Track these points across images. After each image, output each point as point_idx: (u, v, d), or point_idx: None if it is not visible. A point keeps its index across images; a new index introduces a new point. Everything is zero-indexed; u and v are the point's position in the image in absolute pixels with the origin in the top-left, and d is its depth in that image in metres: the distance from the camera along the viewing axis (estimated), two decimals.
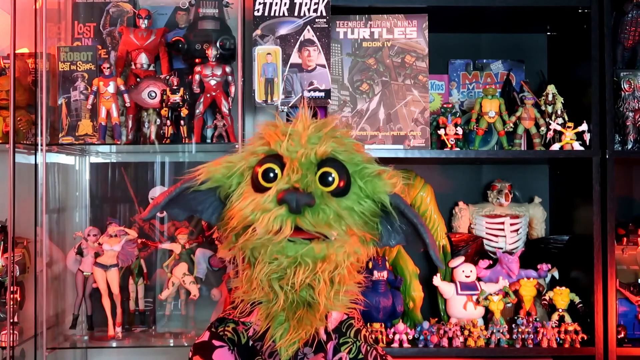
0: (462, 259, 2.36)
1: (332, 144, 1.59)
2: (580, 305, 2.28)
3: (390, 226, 1.65)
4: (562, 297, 2.28)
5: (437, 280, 2.31)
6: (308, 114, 1.64)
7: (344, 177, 1.58)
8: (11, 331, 2.23)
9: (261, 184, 1.57)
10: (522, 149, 2.39)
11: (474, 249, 2.43)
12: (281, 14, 2.25)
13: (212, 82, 2.31)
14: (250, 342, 1.66)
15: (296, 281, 1.54)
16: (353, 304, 1.67)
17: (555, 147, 2.29)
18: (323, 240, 1.53)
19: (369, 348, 1.66)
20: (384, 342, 2.22)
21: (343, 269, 1.57)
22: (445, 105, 2.45)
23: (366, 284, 1.74)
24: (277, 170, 1.57)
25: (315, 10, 2.25)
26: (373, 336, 2.17)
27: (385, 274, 2.24)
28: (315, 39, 2.25)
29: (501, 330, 2.24)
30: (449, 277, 2.39)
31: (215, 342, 1.65)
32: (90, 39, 2.47)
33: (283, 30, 2.25)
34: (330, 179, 1.56)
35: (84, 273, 2.38)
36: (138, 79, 2.36)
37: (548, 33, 2.67)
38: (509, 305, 2.32)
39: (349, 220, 1.55)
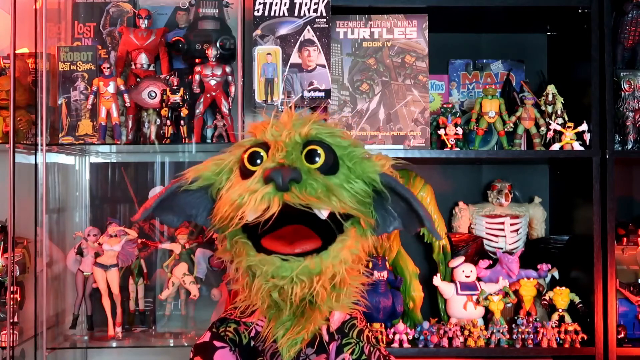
0: (462, 259, 2.36)
1: (316, 127, 1.59)
2: (580, 305, 2.28)
3: (385, 211, 1.62)
4: (562, 297, 2.28)
5: (437, 280, 2.31)
6: (292, 108, 1.66)
7: (331, 155, 1.56)
8: (11, 331, 2.23)
9: (248, 169, 1.56)
10: (522, 149, 2.39)
11: (474, 249, 2.43)
12: (281, 14, 2.25)
13: (212, 82, 2.31)
14: (252, 343, 1.65)
15: (294, 298, 1.53)
16: (355, 304, 1.66)
17: (555, 147, 2.29)
18: (317, 254, 1.52)
19: (372, 348, 1.66)
20: (384, 342, 2.22)
21: (342, 274, 1.56)
22: (445, 105, 2.45)
23: (366, 284, 1.73)
24: (263, 154, 1.56)
25: (315, 10, 2.25)
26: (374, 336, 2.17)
27: (385, 274, 2.24)
28: (315, 39, 2.25)
29: (501, 330, 2.24)
30: (449, 277, 2.39)
31: (217, 343, 1.64)
32: (90, 39, 2.47)
33: (283, 30, 2.25)
34: (316, 158, 1.54)
35: (84, 273, 2.38)
36: (138, 79, 2.36)
37: (548, 33, 2.67)
38: (509, 305, 2.32)
39: (338, 193, 1.52)
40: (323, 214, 1.51)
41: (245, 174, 1.56)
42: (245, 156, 1.57)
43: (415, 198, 1.57)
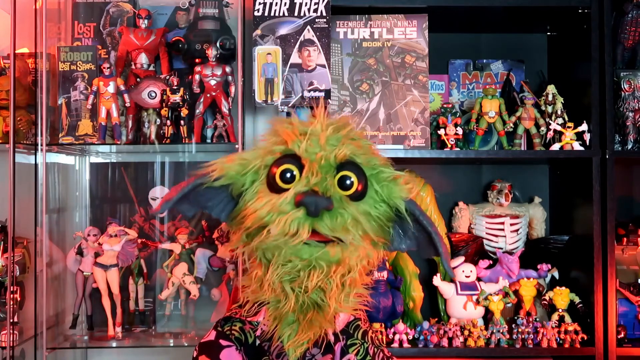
0: (462, 259, 2.36)
1: (350, 146, 1.57)
2: (580, 305, 2.28)
3: (402, 231, 1.62)
4: (562, 297, 2.28)
5: (437, 280, 2.31)
6: (324, 114, 1.60)
7: (362, 180, 1.55)
8: (11, 331, 2.23)
9: (278, 185, 1.54)
10: (522, 149, 2.39)
11: (474, 249, 2.43)
12: (281, 14, 2.25)
13: (212, 82, 2.31)
14: (258, 342, 1.65)
15: (309, 284, 1.52)
16: (360, 305, 1.66)
17: (555, 147, 2.29)
18: (338, 243, 1.51)
19: (376, 349, 1.66)
20: (384, 342, 2.22)
21: (355, 273, 1.56)
22: (445, 105, 2.45)
23: (369, 285, 1.73)
24: (296, 172, 1.53)
25: (315, 10, 2.25)
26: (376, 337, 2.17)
27: (385, 274, 2.24)
28: (315, 39, 2.25)
29: (501, 330, 2.24)
30: (449, 277, 2.39)
31: (223, 342, 1.63)
32: (90, 39, 2.47)
33: (283, 30, 2.25)
34: (348, 182, 1.53)
35: (84, 273, 2.38)
36: (138, 79, 2.36)
37: (548, 33, 2.67)
38: (509, 305, 2.32)
39: (366, 225, 1.53)
40: (345, 241, 1.51)
41: (274, 187, 1.54)
42: (277, 172, 1.55)
43: (437, 232, 1.57)
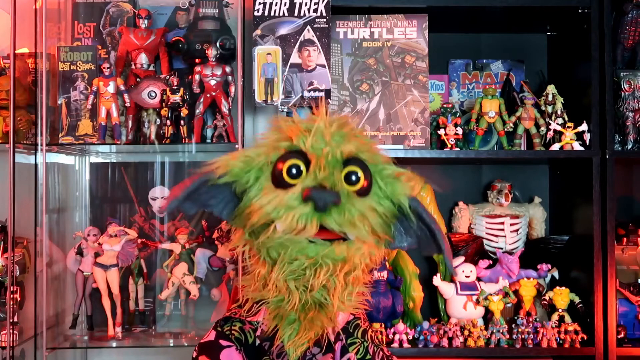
0: (462, 259, 2.36)
1: (355, 143, 1.56)
2: (580, 305, 2.28)
3: (403, 228, 1.62)
4: (562, 297, 2.28)
5: (437, 280, 2.31)
6: (325, 111, 1.60)
7: (368, 177, 1.55)
8: (11, 331, 2.23)
9: (284, 180, 1.52)
10: (522, 149, 2.39)
11: (474, 249, 2.43)
12: (281, 14, 2.25)
13: (212, 82, 2.31)
14: (257, 342, 1.65)
15: (315, 282, 1.51)
16: (361, 304, 1.66)
17: (555, 147, 2.29)
18: (343, 241, 1.51)
19: (375, 348, 1.66)
20: (384, 342, 2.22)
21: (359, 271, 1.56)
22: (445, 105, 2.45)
23: (369, 284, 1.73)
24: (302, 167, 1.52)
25: (315, 10, 2.25)
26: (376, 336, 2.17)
27: (385, 274, 2.24)
28: (315, 39, 2.25)
29: (501, 330, 2.24)
30: (449, 277, 2.39)
31: (222, 342, 1.63)
32: (90, 39, 2.47)
33: (283, 30, 2.25)
34: (355, 178, 1.52)
35: (84, 273, 2.38)
36: (138, 79, 2.36)
37: (548, 33, 2.67)
38: (509, 305, 2.32)
39: (373, 220, 1.52)
40: (351, 237, 1.51)
41: (280, 183, 1.52)
42: (284, 168, 1.53)
43: (439, 230, 1.57)
